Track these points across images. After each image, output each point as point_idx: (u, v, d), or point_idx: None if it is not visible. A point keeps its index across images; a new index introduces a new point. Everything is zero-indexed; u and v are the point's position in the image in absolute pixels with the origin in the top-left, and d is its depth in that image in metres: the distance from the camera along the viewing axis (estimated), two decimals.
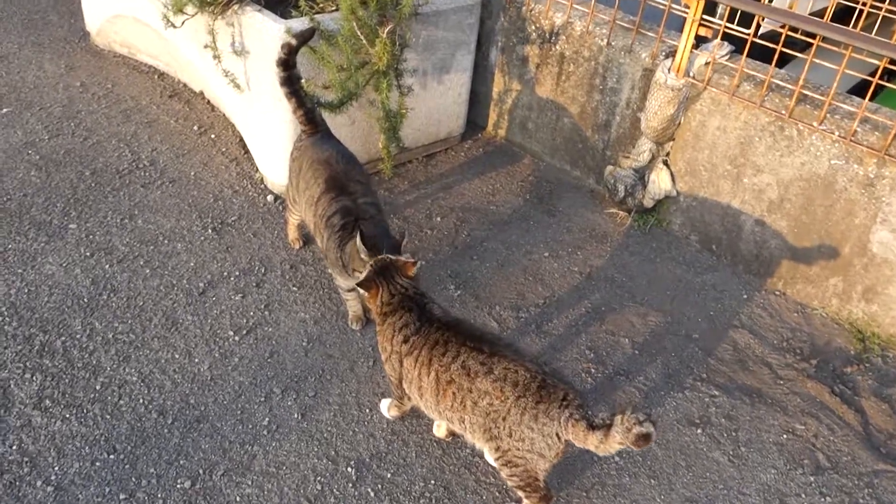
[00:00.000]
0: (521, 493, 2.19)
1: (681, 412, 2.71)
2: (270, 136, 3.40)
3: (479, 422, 2.09)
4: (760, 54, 3.22)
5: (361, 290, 2.21)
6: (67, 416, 2.41)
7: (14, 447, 2.30)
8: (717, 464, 2.55)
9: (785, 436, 2.67)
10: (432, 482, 2.37)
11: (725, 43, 3.22)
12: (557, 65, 3.75)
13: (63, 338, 2.67)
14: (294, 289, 3.01)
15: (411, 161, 3.92)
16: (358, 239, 2.38)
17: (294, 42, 2.74)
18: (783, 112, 3.03)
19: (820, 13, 3.10)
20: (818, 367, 2.95)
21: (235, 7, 3.24)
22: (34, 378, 2.51)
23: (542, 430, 2.00)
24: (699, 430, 2.65)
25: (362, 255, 2.38)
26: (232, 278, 3.02)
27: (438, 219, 3.53)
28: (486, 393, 2.05)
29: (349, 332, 2.86)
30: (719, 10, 3.72)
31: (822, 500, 2.46)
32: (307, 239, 3.23)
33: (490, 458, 2.22)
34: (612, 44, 3.50)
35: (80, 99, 4.03)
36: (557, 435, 1.99)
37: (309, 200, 2.73)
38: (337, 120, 3.20)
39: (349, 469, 2.37)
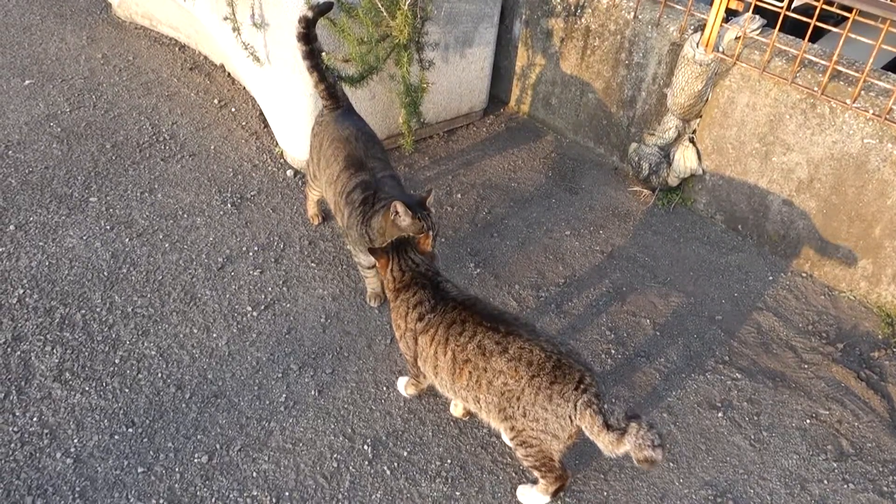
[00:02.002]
0: (536, 474, 2.18)
1: (702, 395, 2.67)
2: (290, 109, 3.37)
3: (494, 401, 2.08)
4: (792, 28, 3.12)
5: (371, 260, 2.21)
6: (87, 388, 2.43)
7: (35, 419, 2.32)
8: (738, 448, 2.51)
9: (808, 421, 2.62)
10: (449, 461, 2.36)
11: (757, 17, 3.12)
12: (582, 39, 3.66)
13: (83, 311, 2.69)
14: (312, 265, 3.00)
15: (432, 136, 3.87)
16: (400, 206, 2.35)
17: (311, 15, 2.70)
18: (815, 89, 2.93)
19: None
20: (844, 352, 2.89)
21: None
22: (54, 351, 2.53)
23: (555, 410, 1.98)
24: (720, 414, 2.61)
25: (404, 221, 2.37)
26: (251, 253, 3.01)
27: (459, 195, 3.49)
28: (500, 372, 2.03)
29: (367, 309, 2.84)
30: None
31: (846, 486, 2.42)
32: (326, 215, 3.21)
33: (506, 438, 2.20)
34: (640, 17, 3.41)
35: (101, 71, 4.03)
36: (570, 417, 1.96)
37: (329, 178, 2.71)
38: (357, 94, 3.16)
39: (366, 447, 2.37)
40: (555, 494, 2.20)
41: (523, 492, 2.26)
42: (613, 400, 1.96)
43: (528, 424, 2.04)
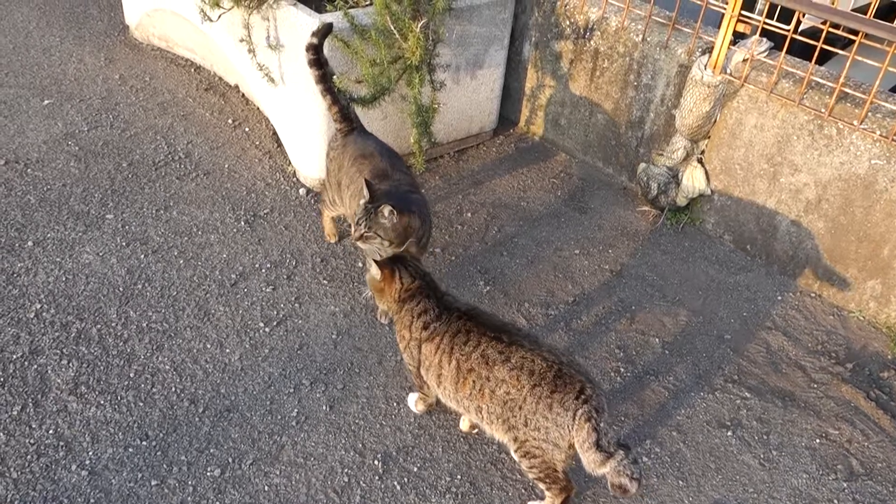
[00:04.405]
0: (542, 486, 2.19)
1: (711, 413, 2.68)
2: (304, 129, 3.43)
3: (496, 411, 2.11)
4: (800, 51, 3.16)
5: (374, 271, 2.24)
6: (102, 402, 2.46)
7: (50, 431, 2.35)
8: (748, 467, 2.51)
9: (818, 440, 2.62)
10: (458, 477, 2.37)
11: (764, 39, 3.17)
12: (591, 60, 3.72)
13: (99, 325, 2.73)
14: (324, 282, 3.04)
15: (442, 156, 3.92)
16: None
17: (316, 41, 2.78)
18: (822, 110, 2.96)
19: (863, 9, 3.03)
20: (853, 372, 2.89)
21: (271, 1, 3.27)
22: (70, 364, 2.57)
23: (556, 419, 2.01)
24: (729, 433, 2.61)
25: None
26: (263, 270, 3.05)
27: (469, 214, 3.52)
28: (503, 381, 2.07)
29: (378, 325, 2.87)
30: (758, 6, 3.65)
31: None
32: (342, 234, 3.25)
33: (512, 452, 2.22)
34: (648, 39, 3.46)
35: (118, 91, 4.11)
36: (569, 427, 2.01)
37: (353, 194, 2.75)
38: (369, 114, 3.21)
39: (376, 462, 2.39)
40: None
41: None
42: (610, 422, 1.99)
43: (530, 434, 2.07)
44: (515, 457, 2.18)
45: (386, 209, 2.47)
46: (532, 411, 2.03)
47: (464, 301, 2.31)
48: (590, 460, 1.97)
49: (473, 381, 2.12)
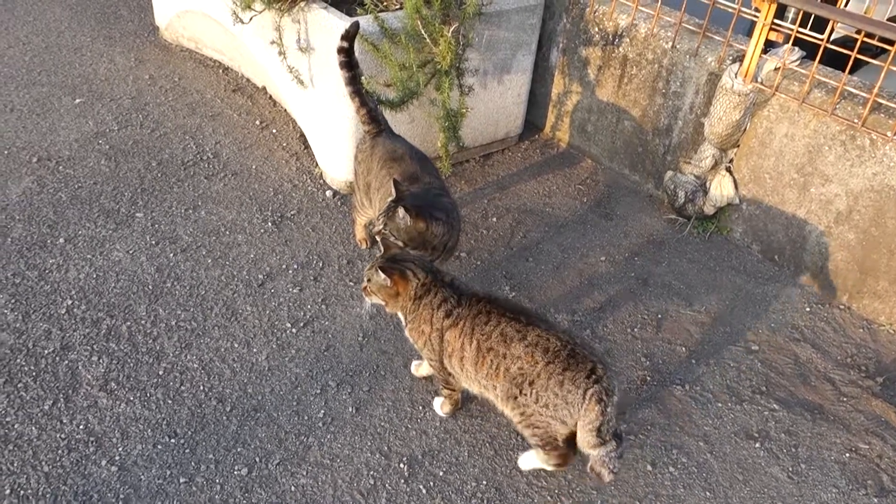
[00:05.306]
0: (541, 452, 2.25)
1: (738, 425, 2.65)
2: (331, 132, 3.45)
3: (511, 390, 2.16)
4: (830, 59, 3.13)
5: (382, 279, 2.24)
6: (131, 398, 2.48)
7: (81, 427, 2.37)
8: (776, 480, 2.48)
9: (847, 454, 2.59)
10: (484, 482, 2.37)
11: (796, 48, 3.14)
12: (619, 67, 3.71)
13: (128, 323, 2.75)
14: (351, 284, 3.05)
15: (468, 161, 3.92)
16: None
17: (346, 45, 2.80)
18: (855, 120, 2.93)
19: None
20: (884, 386, 2.85)
21: (302, 4, 3.29)
22: (101, 361, 2.60)
23: (566, 396, 2.06)
24: (757, 444, 2.59)
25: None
26: (290, 271, 3.07)
27: (494, 219, 3.52)
28: (518, 357, 2.12)
29: (404, 328, 2.87)
30: (791, 15, 3.63)
31: None
32: (375, 239, 3.25)
33: (514, 421, 2.26)
34: (678, 47, 3.45)
35: (148, 91, 4.15)
36: (578, 405, 2.06)
37: (383, 197, 2.75)
38: (397, 118, 3.22)
39: (402, 465, 2.39)
40: (558, 467, 2.28)
41: None
42: (616, 407, 2.10)
43: (539, 410, 2.12)
44: (517, 426, 2.24)
45: (400, 211, 2.48)
46: (543, 387, 2.09)
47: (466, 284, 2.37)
48: (584, 440, 2.08)
49: (491, 360, 2.17)
